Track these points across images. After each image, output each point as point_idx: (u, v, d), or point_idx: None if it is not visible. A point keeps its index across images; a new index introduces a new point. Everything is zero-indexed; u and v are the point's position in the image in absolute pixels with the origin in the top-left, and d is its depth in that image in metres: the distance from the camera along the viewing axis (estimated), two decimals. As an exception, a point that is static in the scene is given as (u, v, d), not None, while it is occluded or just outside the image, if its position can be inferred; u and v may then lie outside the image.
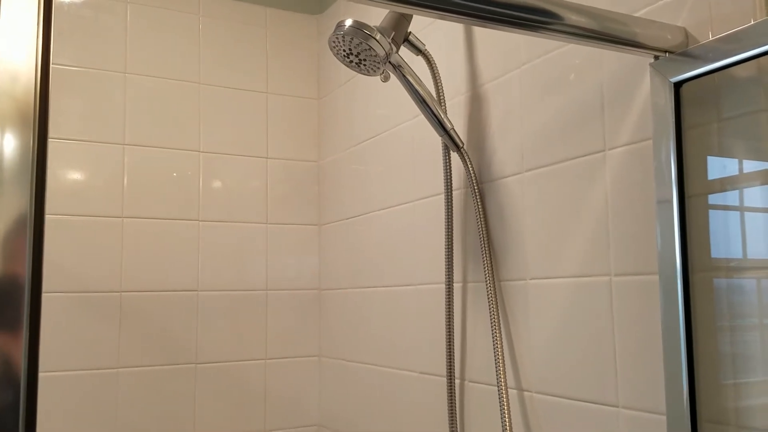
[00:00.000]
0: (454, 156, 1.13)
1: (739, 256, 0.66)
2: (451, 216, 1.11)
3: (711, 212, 0.68)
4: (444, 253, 1.13)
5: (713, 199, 0.68)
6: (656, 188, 0.72)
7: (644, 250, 0.78)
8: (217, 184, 1.61)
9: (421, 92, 1.06)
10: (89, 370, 1.44)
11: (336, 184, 1.63)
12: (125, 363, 1.47)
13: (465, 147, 1.10)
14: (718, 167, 0.68)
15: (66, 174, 1.46)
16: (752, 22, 0.66)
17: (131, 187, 1.51)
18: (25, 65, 0.47)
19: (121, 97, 1.52)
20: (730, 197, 0.67)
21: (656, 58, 0.73)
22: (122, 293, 1.49)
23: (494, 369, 1.02)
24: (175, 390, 1.51)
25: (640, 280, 0.78)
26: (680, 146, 0.69)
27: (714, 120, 0.68)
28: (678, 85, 0.69)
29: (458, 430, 1.10)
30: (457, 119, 1.15)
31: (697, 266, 0.69)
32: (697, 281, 0.69)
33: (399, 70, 1.05)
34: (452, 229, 1.12)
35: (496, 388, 1.00)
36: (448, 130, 1.07)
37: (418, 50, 1.11)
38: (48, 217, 1.43)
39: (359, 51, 1.01)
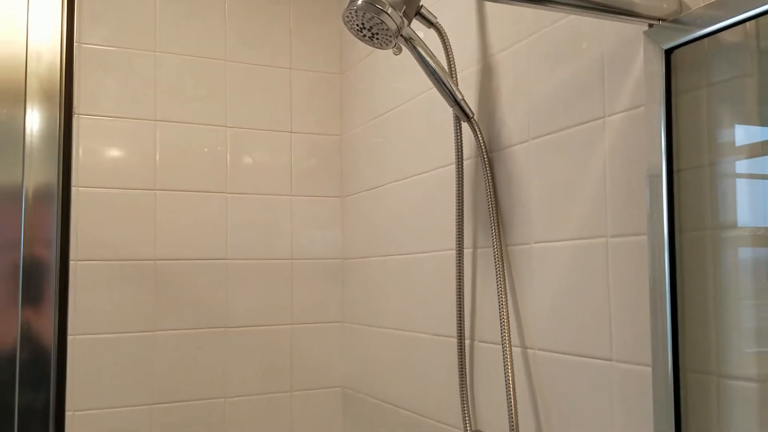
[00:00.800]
0: (466, 126, 1.17)
1: (726, 218, 0.69)
2: (462, 185, 1.16)
3: (701, 175, 0.71)
4: (455, 220, 1.18)
5: (702, 162, 0.71)
6: (647, 152, 0.75)
7: (638, 212, 0.81)
8: (243, 158, 1.68)
9: (432, 64, 1.09)
10: (128, 333, 1.54)
11: (357, 157, 1.68)
12: (161, 326, 1.57)
13: (475, 117, 1.14)
14: (707, 131, 0.71)
15: (102, 149, 1.55)
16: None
17: (163, 162, 1.59)
18: (50, 45, 0.53)
19: (152, 75, 1.59)
20: (720, 161, 0.70)
21: (650, 26, 0.76)
22: (156, 261, 1.58)
23: (498, 328, 1.07)
24: (207, 352, 1.61)
25: (633, 241, 0.82)
26: (670, 112, 0.72)
27: (704, 85, 0.71)
28: (669, 52, 0.72)
29: (468, 387, 1.16)
30: (468, 90, 1.18)
31: (685, 227, 0.73)
32: (685, 241, 0.73)
33: (410, 43, 1.09)
34: (463, 198, 1.16)
35: (501, 347, 1.05)
36: (459, 100, 1.11)
37: (430, 23, 1.15)
38: (86, 190, 1.52)
39: (371, 25, 1.05)
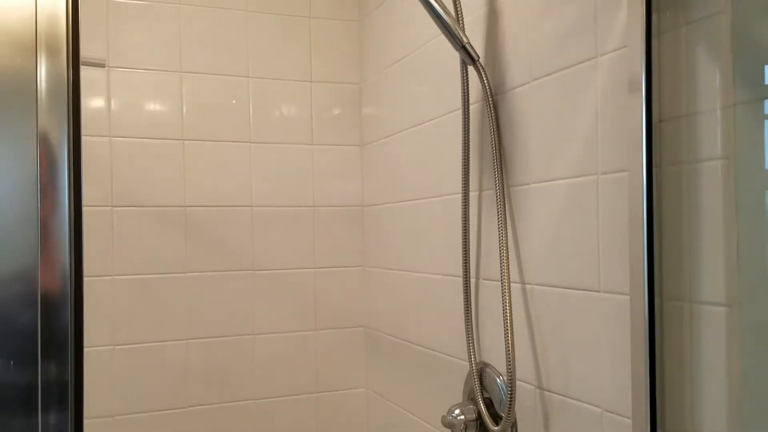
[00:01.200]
0: (472, 71, 1.19)
1: (702, 152, 0.72)
2: (468, 129, 1.19)
3: (678, 113, 0.73)
4: (461, 164, 1.22)
5: (680, 102, 0.73)
6: (628, 90, 0.77)
7: (626, 148, 0.84)
8: (265, 107, 1.74)
9: (438, 8, 1.12)
10: (160, 274, 1.65)
11: (375, 105, 1.72)
12: (191, 269, 1.67)
13: (481, 60, 1.16)
14: (685, 71, 0.73)
15: (133, 101, 1.63)
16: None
17: (189, 112, 1.67)
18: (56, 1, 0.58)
19: (176, 28, 1.65)
20: (696, 99, 0.72)
21: (636, -36, 0.77)
22: (186, 207, 1.67)
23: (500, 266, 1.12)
24: (236, 293, 1.71)
25: (621, 177, 0.85)
26: (650, 51, 0.74)
27: (683, 23, 0.73)
28: (651, -10, 0.74)
29: (473, 322, 1.22)
30: (476, 35, 1.20)
31: (664, 161, 0.76)
32: (664, 175, 0.76)
33: (415, -11, 1.11)
34: (469, 141, 1.20)
35: (500, 283, 1.10)
36: (464, 44, 1.13)
37: (435, -31, 1.16)
38: (119, 140, 1.61)
39: (376, -28, 1.07)
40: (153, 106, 1.64)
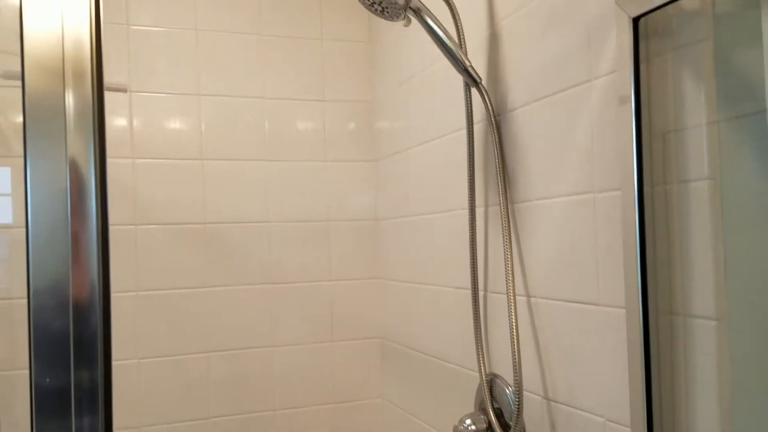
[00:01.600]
0: (475, 92, 1.24)
1: (689, 172, 0.75)
2: (473, 147, 1.23)
3: (667, 132, 0.77)
4: (467, 181, 1.26)
5: (668, 123, 0.77)
6: (618, 112, 0.81)
7: (619, 168, 0.87)
8: (281, 127, 1.80)
9: (440, 34, 1.17)
10: (181, 289, 1.71)
11: (386, 122, 1.77)
12: (211, 283, 1.74)
13: (483, 82, 1.21)
14: (672, 93, 0.77)
15: (155, 123, 1.70)
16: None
17: (208, 133, 1.73)
18: (82, 31, 0.63)
19: (194, 52, 1.72)
20: (683, 119, 0.76)
21: (624, -6, 0.81)
22: (206, 224, 1.73)
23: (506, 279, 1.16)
24: (255, 306, 1.77)
25: (616, 196, 0.88)
26: (638, 76, 0.78)
27: (669, 50, 0.77)
28: (637, 20, 0.78)
29: (482, 334, 1.26)
30: (477, 57, 1.25)
31: (656, 180, 0.79)
32: (655, 194, 0.80)
33: (419, 14, 1.16)
34: (473, 159, 1.24)
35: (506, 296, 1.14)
36: (467, 67, 1.18)
37: (438, -5, 1.21)
38: (141, 161, 1.68)
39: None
40: (173, 128, 1.71)
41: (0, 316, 1.59)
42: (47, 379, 0.64)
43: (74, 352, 0.64)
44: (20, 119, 1.65)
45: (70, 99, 0.64)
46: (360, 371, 1.86)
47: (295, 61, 1.82)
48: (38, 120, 0.63)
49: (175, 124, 1.72)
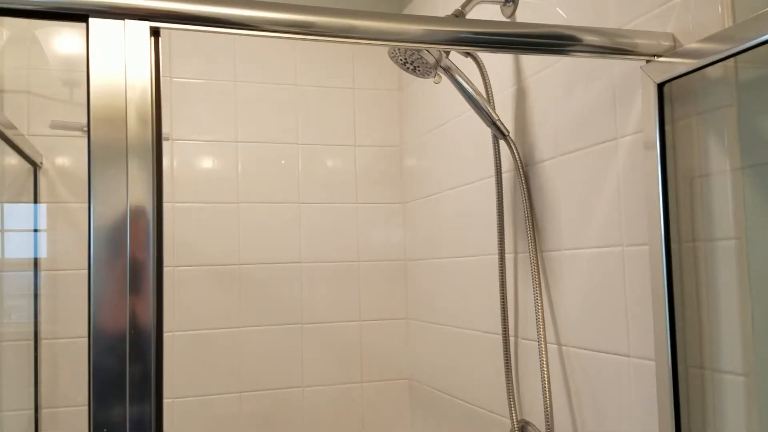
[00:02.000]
0: (503, 143, 1.28)
1: (716, 231, 0.78)
2: (501, 196, 1.28)
3: (693, 192, 0.80)
4: (496, 228, 1.30)
5: (694, 181, 0.80)
6: (645, 169, 0.85)
7: (646, 224, 0.91)
8: (313, 171, 1.86)
9: (469, 90, 1.22)
10: (215, 329, 1.76)
11: (416, 167, 1.82)
12: (245, 323, 1.78)
13: (511, 135, 1.25)
14: (697, 154, 0.80)
15: (194, 169, 1.78)
16: (722, 28, 0.77)
17: (243, 178, 1.80)
18: (143, 82, 0.69)
19: (233, 102, 1.81)
20: (709, 179, 0.79)
21: (648, 62, 0.85)
22: (240, 266, 1.79)
23: (536, 327, 1.18)
24: (286, 345, 1.81)
25: (644, 250, 0.91)
26: (664, 137, 0.82)
27: (693, 114, 0.80)
28: (662, 86, 0.82)
29: (513, 380, 1.28)
30: (505, 110, 1.30)
31: (683, 237, 0.82)
32: (683, 250, 0.82)
33: (449, 72, 1.22)
34: (503, 207, 1.28)
35: (538, 343, 1.17)
36: (495, 121, 1.23)
37: (467, 53, 1.27)
38: (180, 205, 1.75)
39: (413, 60, 1.19)
40: (211, 173, 1.79)
41: (22, 353, 1.66)
42: (105, 430, 0.68)
43: (129, 389, 0.68)
44: (61, 162, 1.74)
45: (131, 146, 0.69)
46: (388, 412, 1.87)
47: (328, 109, 1.89)
48: (102, 165, 0.68)
49: (212, 169, 1.79)
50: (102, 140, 0.69)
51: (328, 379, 1.84)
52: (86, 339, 0.70)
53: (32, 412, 1.64)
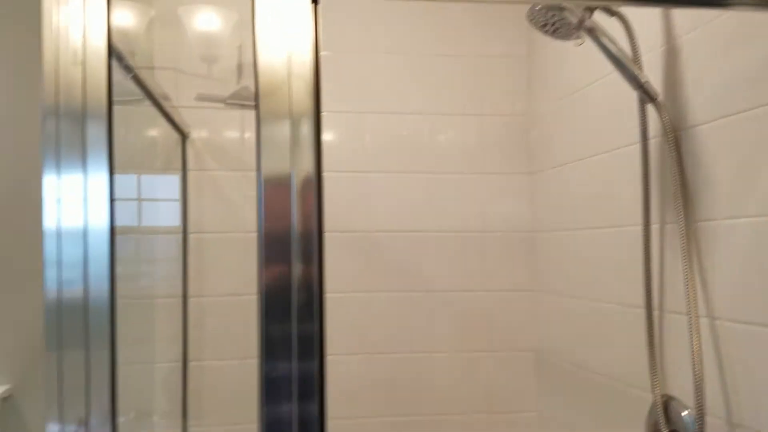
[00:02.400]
0: (650, 107, 1.22)
1: None
2: (648, 163, 1.22)
3: None
4: (641, 197, 1.24)
5: None
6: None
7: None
8: (438, 141, 1.87)
9: (615, 51, 1.17)
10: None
11: (545, 136, 1.77)
12: (375, 288, 1.83)
13: (660, 98, 1.19)
14: None
15: (339, 141, 1.84)
16: None
17: (372, 149, 1.84)
18: (307, 55, 0.73)
19: (364, 73, 1.84)
20: None
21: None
22: (368, 233, 1.84)
23: (685, 299, 1.13)
24: (413, 312, 1.84)
25: (821, 218, 0.84)
26: None
27: None
28: None
29: (656, 354, 1.23)
30: (653, 72, 1.23)
31: None
32: None
33: (593, 33, 1.17)
34: (649, 176, 1.22)
35: (687, 316, 1.11)
36: (643, 83, 1.17)
37: (612, 12, 1.21)
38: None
39: (554, 21, 1.15)
40: (342, 144, 1.84)
41: (172, 310, 1.79)
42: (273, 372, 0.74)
43: (297, 346, 0.73)
44: (205, 134, 1.84)
45: (294, 120, 0.72)
46: (514, 383, 1.87)
47: (452, 78, 1.88)
48: (269, 138, 0.72)
49: (342, 141, 1.84)
50: (268, 114, 0.72)
51: (455, 346, 1.85)
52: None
53: (180, 364, 1.80)
